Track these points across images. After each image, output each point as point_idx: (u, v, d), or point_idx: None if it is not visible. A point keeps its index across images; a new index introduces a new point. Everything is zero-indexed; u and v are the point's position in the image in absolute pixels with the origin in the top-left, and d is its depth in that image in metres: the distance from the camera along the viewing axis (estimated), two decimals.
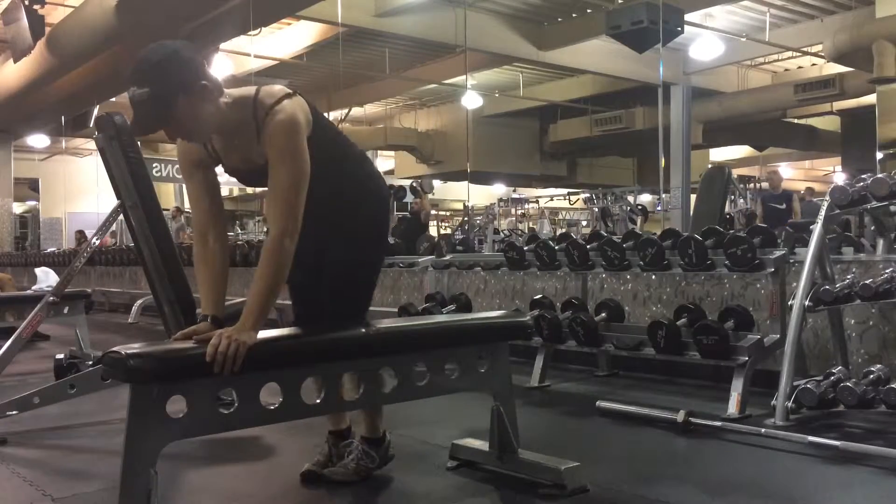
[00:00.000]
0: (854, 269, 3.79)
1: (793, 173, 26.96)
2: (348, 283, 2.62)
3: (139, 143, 3.61)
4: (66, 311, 5.08)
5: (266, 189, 2.29)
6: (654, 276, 4.62)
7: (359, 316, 2.58)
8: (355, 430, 2.77)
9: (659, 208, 13.32)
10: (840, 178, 16.21)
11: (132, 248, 6.99)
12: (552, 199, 19.73)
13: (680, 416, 3.33)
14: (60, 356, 4.42)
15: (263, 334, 2.12)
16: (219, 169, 2.45)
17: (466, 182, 16.45)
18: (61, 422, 3.70)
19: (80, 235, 16.46)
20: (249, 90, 2.32)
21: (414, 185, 15.11)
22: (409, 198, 14.24)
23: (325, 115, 2.60)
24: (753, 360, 3.64)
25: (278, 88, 2.33)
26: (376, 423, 2.71)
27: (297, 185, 2.23)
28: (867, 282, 3.35)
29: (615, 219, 13.98)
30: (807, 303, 3.43)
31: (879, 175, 3.45)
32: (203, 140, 2.32)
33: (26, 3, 9.44)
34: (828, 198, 3.59)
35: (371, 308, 2.74)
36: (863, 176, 3.54)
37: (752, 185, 14.79)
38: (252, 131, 2.28)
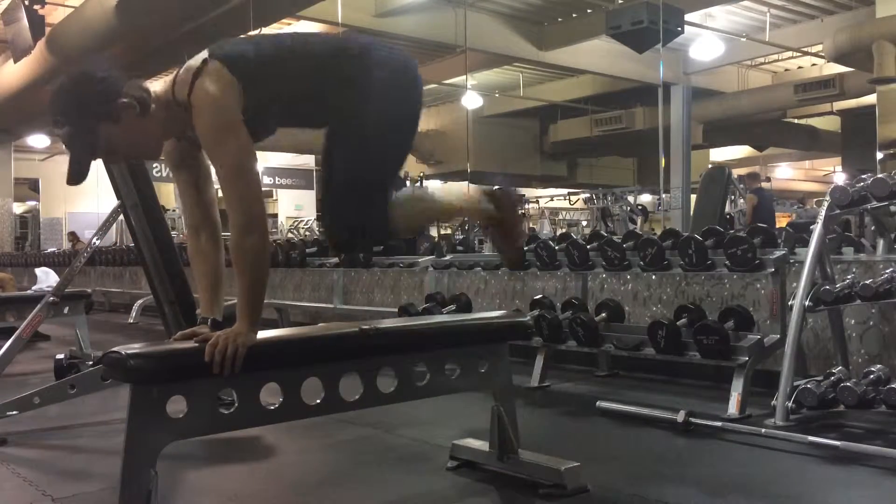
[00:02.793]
0: (854, 270, 3.79)
1: (793, 173, 27.00)
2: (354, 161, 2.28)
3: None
4: (66, 311, 5.08)
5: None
6: (654, 277, 4.62)
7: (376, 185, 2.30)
8: None
9: (660, 208, 13.31)
10: (840, 178, 16.20)
11: (132, 248, 6.99)
12: (552, 200, 19.74)
13: (680, 417, 3.33)
14: (60, 356, 4.42)
15: (263, 334, 2.12)
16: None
17: (466, 182, 16.45)
18: (61, 422, 3.70)
19: (73, 237, 16.46)
20: (168, 82, 2.12)
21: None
22: None
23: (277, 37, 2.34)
24: (753, 360, 3.64)
25: (186, 67, 2.09)
26: None
27: (238, 167, 2.02)
28: (867, 282, 3.35)
29: (615, 219, 13.98)
30: (807, 303, 3.43)
31: (880, 175, 3.45)
32: (155, 156, 2.20)
33: (26, 3, 9.45)
34: (828, 198, 3.59)
35: (371, 308, 2.72)
36: (863, 176, 3.54)
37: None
38: (192, 123, 2.08)
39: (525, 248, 4.93)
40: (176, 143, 2.23)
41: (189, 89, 2.04)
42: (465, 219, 3.05)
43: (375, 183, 2.31)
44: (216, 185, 2.25)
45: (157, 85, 2.16)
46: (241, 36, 2.17)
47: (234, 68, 2.07)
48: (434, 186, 2.61)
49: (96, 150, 2.04)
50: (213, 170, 2.25)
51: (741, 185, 10.32)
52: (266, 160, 18.89)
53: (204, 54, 2.10)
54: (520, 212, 2.87)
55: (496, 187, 2.65)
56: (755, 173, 11.26)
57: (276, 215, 19.95)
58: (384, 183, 2.34)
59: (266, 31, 11.06)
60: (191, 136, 2.15)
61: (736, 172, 11.37)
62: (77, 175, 2.02)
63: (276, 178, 19.72)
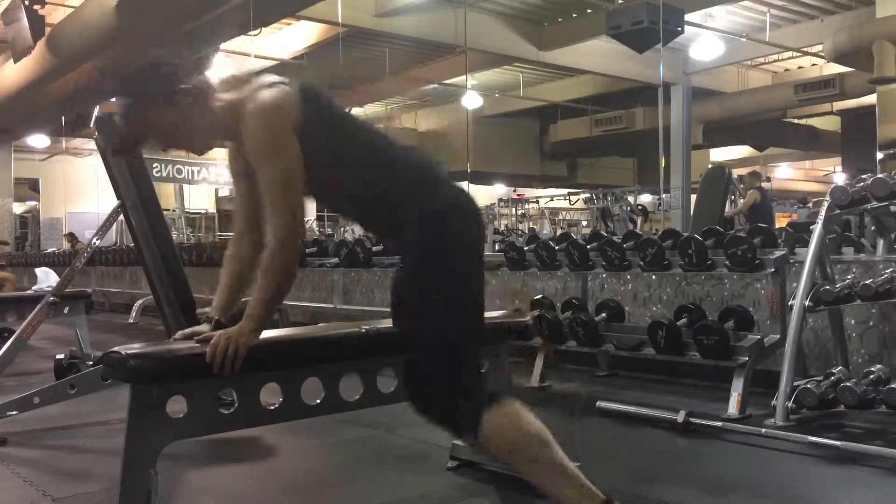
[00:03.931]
0: (854, 270, 3.79)
1: (793, 173, 27.00)
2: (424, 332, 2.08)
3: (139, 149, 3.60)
4: (66, 311, 5.08)
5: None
6: (654, 277, 4.62)
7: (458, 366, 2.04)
8: None
9: (660, 208, 13.31)
10: (840, 178, 16.20)
11: (132, 248, 6.99)
12: (552, 200, 19.74)
13: (680, 417, 3.33)
14: (60, 356, 4.42)
15: (263, 334, 2.12)
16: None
17: (467, 182, 16.45)
18: (61, 422, 3.70)
19: (71, 238, 16.46)
20: (246, 88, 2.11)
21: None
22: None
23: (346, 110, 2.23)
24: (753, 360, 3.64)
25: (266, 79, 2.09)
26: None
27: (284, 182, 2.00)
28: (867, 282, 3.35)
29: (615, 219, 13.98)
30: (807, 303, 3.43)
31: (880, 175, 3.45)
32: (201, 147, 2.20)
33: (26, 3, 9.44)
34: (828, 198, 3.59)
35: (371, 308, 2.70)
36: (863, 176, 3.54)
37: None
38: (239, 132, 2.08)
39: (525, 249, 4.93)
40: (237, 152, 2.21)
41: (248, 102, 2.04)
42: None
43: (459, 336, 2.06)
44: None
45: (228, 88, 2.14)
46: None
47: (305, 99, 2.05)
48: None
49: (146, 127, 2.08)
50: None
51: (741, 185, 10.31)
52: None
53: (279, 78, 2.10)
54: None
55: None
56: (757, 172, 11.26)
57: None
58: (464, 338, 2.08)
59: (266, 31, 11.11)
60: (236, 145, 2.14)
61: (736, 172, 11.38)
62: (124, 144, 2.09)
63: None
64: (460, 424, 2.09)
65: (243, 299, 2.13)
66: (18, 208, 21.81)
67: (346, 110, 2.26)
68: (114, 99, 2.07)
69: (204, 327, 2.16)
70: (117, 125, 2.09)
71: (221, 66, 11.37)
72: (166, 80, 2.06)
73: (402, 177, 2.15)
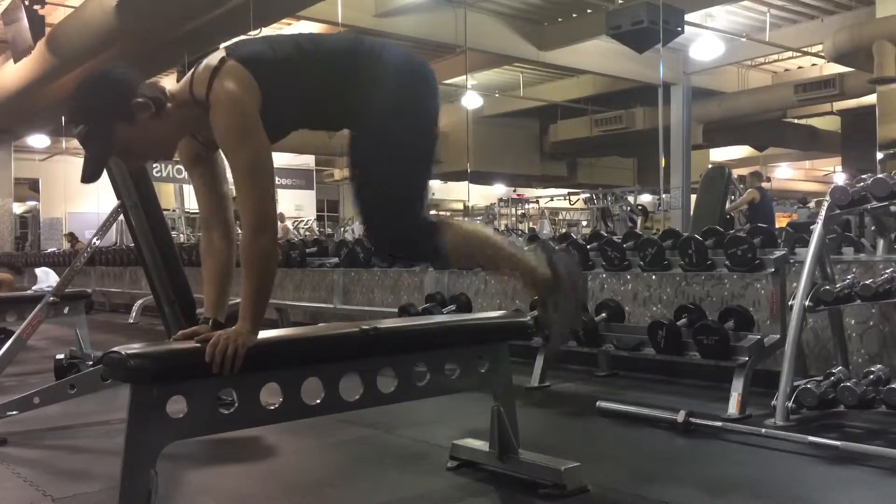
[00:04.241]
0: (854, 270, 3.79)
1: (793, 173, 27.01)
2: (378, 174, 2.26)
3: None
4: (66, 311, 5.08)
5: None
6: (654, 277, 4.62)
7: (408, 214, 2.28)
8: None
9: (660, 208, 13.32)
10: (840, 178, 16.21)
11: (132, 248, 6.99)
12: (552, 200, 19.75)
13: (680, 417, 3.33)
14: (60, 356, 4.42)
15: (263, 334, 2.12)
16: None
17: (466, 182, 16.46)
18: (61, 422, 3.70)
19: (71, 238, 16.47)
20: (185, 81, 2.12)
21: None
22: None
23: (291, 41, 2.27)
24: (753, 360, 3.64)
25: (204, 66, 2.09)
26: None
27: (254, 169, 2.02)
28: (867, 282, 3.35)
29: (615, 219, 13.98)
30: (807, 303, 3.43)
31: (879, 175, 3.45)
32: (169, 156, 2.20)
33: (26, 3, 9.45)
34: (828, 198, 3.59)
35: (371, 308, 2.71)
36: (863, 176, 3.54)
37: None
38: (209, 122, 2.08)
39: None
40: (190, 142, 2.23)
41: (208, 87, 2.04)
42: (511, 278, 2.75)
43: (410, 189, 2.28)
44: (230, 184, 2.26)
45: (172, 84, 2.17)
46: (255, 36, 2.16)
47: (252, 69, 2.07)
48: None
49: (111, 149, 2.06)
50: (227, 168, 2.24)
51: (741, 185, 10.32)
52: None
53: (221, 53, 2.11)
54: (581, 288, 2.56)
55: (557, 251, 2.52)
56: (758, 172, 11.27)
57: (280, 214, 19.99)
58: (419, 189, 2.31)
59: (266, 31, 11.11)
60: (205, 135, 2.15)
61: (736, 172, 11.38)
62: (91, 174, 2.04)
63: (277, 179, 19.69)
64: (425, 255, 2.52)
65: (236, 300, 2.13)
66: (18, 208, 21.82)
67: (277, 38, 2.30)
68: (72, 128, 2.01)
69: (204, 327, 2.16)
70: (85, 152, 2.03)
71: None
72: (119, 97, 2.01)
73: (346, 60, 2.24)
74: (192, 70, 2.13)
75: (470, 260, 2.51)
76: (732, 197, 10.15)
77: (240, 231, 2.12)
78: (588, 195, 16.90)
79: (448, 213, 24.33)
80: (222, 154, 2.21)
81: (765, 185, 11.08)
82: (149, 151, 2.16)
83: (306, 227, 17.21)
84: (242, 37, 10.57)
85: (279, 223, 2.28)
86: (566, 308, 2.45)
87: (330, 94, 2.24)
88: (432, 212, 2.39)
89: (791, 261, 3.87)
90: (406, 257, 2.54)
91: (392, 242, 2.39)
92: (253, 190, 2.02)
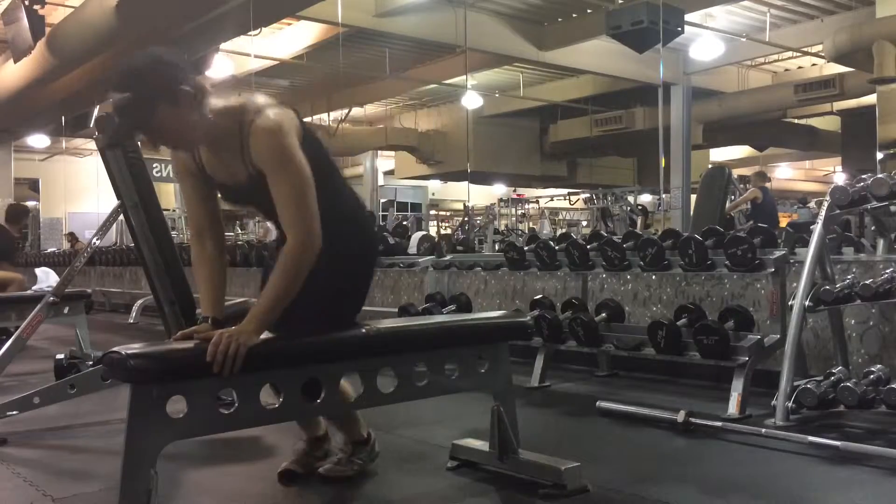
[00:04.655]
0: (854, 270, 3.79)
1: (793, 173, 27.01)
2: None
3: (139, 143, 3.61)
4: (66, 311, 5.07)
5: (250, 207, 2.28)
6: (654, 277, 4.62)
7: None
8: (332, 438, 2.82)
9: (660, 208, 13.32)
10: (840, 178, 16.21)
11: (132, 248, 6.99)
12: (552, 200, 19.74)
13: (680, 417, 3.33)
14: (60, 356, 4.41)
15: (263, 334, 2.12)
16: None
17: (466, 182, 16.46)
18: (61, 422, 3.70)
19: (72, 238, 16.47)
20: (237, 100, 2.25)
21: None
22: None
23: (317, 132, 2.53)
24: (753, 360, 3.64)
25: (264, 99, 2.26)
26: (355, 428, 2.73)
27: (301, 189, 2.14)
28: (867, 282, 3.35)
29: (615, 219, 13.98)
30: (807, 303, 3.43)
31: (879, 175, 3.45)
32: (188, 148, 2.26)
33: (26, 3, 9.44)
34: (828, 198, 3.59)
35: (371, 308, 2.72)
36: (863, 176, 3.54)
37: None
38: (237, 143, 2.19)
39: (525, 249, 4.93)
40: (189, 157, 2.29)
41: (257, 110, 2.17)
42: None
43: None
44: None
45: (218, 96, 2.24)
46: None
47: (302, 123, 2.27)
48: None
49: (146, 123, 2.11)
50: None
51: (741, 185, 10.31)
52: None
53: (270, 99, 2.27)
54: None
55: None
56: (762, 172, 11.26)
57: None
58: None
59: (266, 31, 11.12)
60: (219, 149, 2.24)
61: (736, 172, 11.37)
62: (116, 137, 2.13)
63: None
64: None
65: (235, 300, 2.15)
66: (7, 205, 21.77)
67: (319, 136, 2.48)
68: (115, 93, 2.06)
69: (204, 326, 2.16)
70: (113, 118, 2.10)
71: (220, 67, 11.39)
72: (169, 80, 2.08)
73: (341, 214, 2.39)
74: (247, 97, 2.25)
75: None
76: (732, 197, 10.14)
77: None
78: (588, 195, 16.90)
79: (448, 214, 24.35)
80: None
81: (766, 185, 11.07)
82: (173, 140, 2.21)
83: None
84: (243, 37, 10.59)
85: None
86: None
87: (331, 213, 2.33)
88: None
89: (791, 261, 3.87)
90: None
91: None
92: (301, 211, 2.15)
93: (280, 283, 2.12)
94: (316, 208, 2.17)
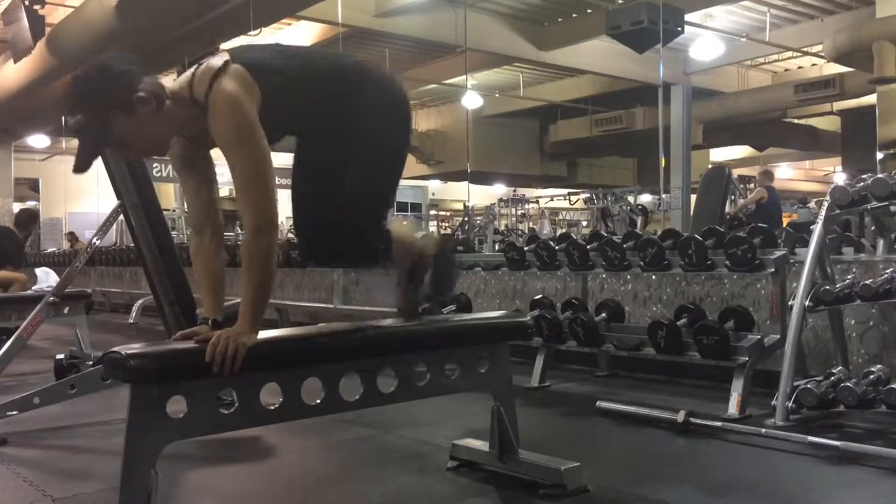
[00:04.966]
0: (854, 270, 3.79)
1: (793, 173, 27.01)
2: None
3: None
4: (66, 311, 5.08)
5: None
6: (654, 277, 4.62)
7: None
8: None
9: (660, 208, 13.31)
10: (840, 178, 16.20)
11: (132, 248, 6.99)
12: (552, 200, 19.74)
13: (680, 417, 3.33)
14: (60, 356, 4.42)
15: (263, 334, 2.12)
16: (220, 169, 2.37)
17: (466, 182, 16.45)
18: (61, 422, 3.70)
19: (72, 237, 16.47)
20: (185, 79, 2.13)
21: None
22: None
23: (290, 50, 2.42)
24: (753, 360, 3.64)
25: (206, 67, 2.10)
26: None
27: (255, 171, 2.04)
28: (867, 282, 3.35)
29: (615, 219, 13.97)
30: (807, 303, 3.43)
31: (880, 175, 3.45)
32: (163, 152, 2.21)
33: (26, 3, 9.45)
34: (828, 198, 3.59)
35: (371, 308, 2.72)
36: (863, 176, 3.54)
37: (752, 185, 14.82)
38: (205, 123, 2.09)
39: (525, 249, 4.92)
40: (182, 144, 2.23)
41: (208, 88, 2.06)
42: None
43: (384, 196, 2.44)
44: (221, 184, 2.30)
45: (171, 82, 2.18)
46: (258, 44, 2.24)
47: (254, 73, 2.11)
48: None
49: (107, 140, 2.06)
50: (217, 169, 2.28)
51: (742, 185, 10.31)
52: None
53: (224, 56, 2.12)
54: (449, 280, 2.79)
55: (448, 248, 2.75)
56: (769, 171, 11.27)
57: None
58: (390, 197, 2.47)
59: (266, 31, 11.11)
60: (197, 135, 2.16)
61: (736, 172, 11.37)
62: (84, 164, 2.03)
63: (277, 179, 19.64)
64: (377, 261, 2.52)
65: (235, 300, 2.13)
66: (18, 208, 21.80)
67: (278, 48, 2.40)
68: (69, 117, 2.02)
69: (203, 327, 2.16)
70: (79, 142, 2.03)
71: None
72: (119, 89, 2.01)
73: (340, 75, 2.35)
74: (193, 70, 2.14)
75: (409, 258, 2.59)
76: (732, 197, 10.15)
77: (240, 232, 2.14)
78: (588, 195, 16.88)
79: (448, 214, 24.32)
80: (212, 156, 2.24)
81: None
82: (143, 146, 2.16)
83: None
84: (243, 37, 10.60)
85: None
86: (425, 284, 2.61)
87: (321, 107, 2.32)
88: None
89: (791, 261, 3.88)
90: (361, 260, 2.67)
91: (356, 245, 2.42)
92: (254, 191, 2.04)
93: (251, 278, 2.04)
94: (273, 190, 2.08)
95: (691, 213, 11.54)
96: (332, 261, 3.00)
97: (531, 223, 18.76)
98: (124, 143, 2.10)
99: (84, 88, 2.04)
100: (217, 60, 2.11)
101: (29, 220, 7.76)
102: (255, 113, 2.07)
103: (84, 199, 18.81)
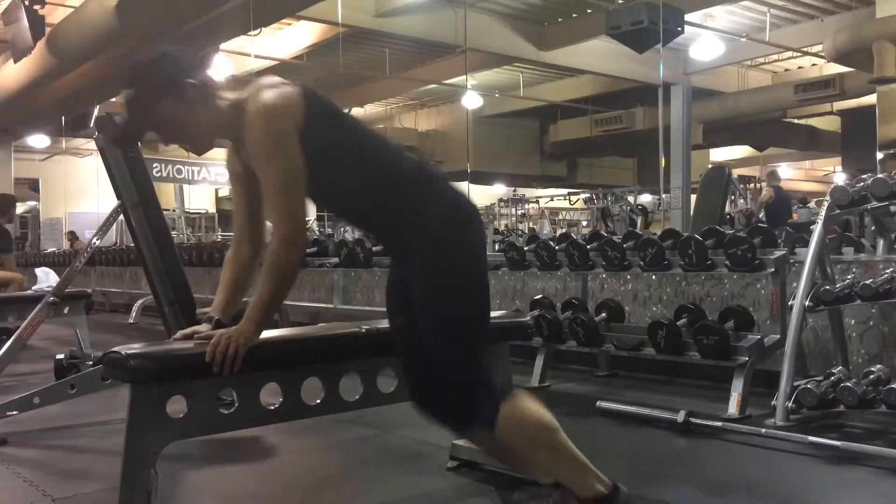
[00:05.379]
0: (854, 270, 3.79)
1: (793, 173, 26.99)
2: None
3: (140, 143, 3.61)
4: (66, 311, 5.07)
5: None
6: (654, 277, 4.62)
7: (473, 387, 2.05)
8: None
9: (660, 208, 13.31)
10: (840, 178, 16.21)
11: (132, 248, 6.99)
12: (552, 200, 19.74)
13: (680, 417, 3.33)
14: (60, 356, 4.42)
15: (263, 334, 2.12)
16: None
17: (466, 182, 16.43)
18: (61, 422, 3.70)
19: (72, 236, 16.47)
20: (240, 84, 2.14)
21: None
22: None
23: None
24: (753, 360, 3.64)
25: (269, 80, 2.08)
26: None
27: (287, 184, 1.99)
28: (867, 282, 3.35)
29: (615, 219, 13.98)
30: (807, 303, 3.43)
31: (880, 175, 3.45)
32: (203, 146, 2.19)
33: (26, 3, 9.44)
34: (828, 198, 3.59)
35: (371, 308, 2.70)
36: (863, 176, 3.54)
37: (752, 185, 14.83)
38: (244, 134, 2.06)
39: (525, 249, 4.93)
40: (235, 153, 2.21)
41: (250, 101, 2.03)
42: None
43: (470, 337, 2.10)
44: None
45: (230, 88, 2.16)
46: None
47: (308, 99, 2.04)
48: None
49: (150, 119, 2.08)
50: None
51: (742, 185, 10.32)
52: None
53: (279, 78, 2.10)
54: None
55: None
56: (775, 172, 11.29)
57: None
58: (480, 339, 2.13)
59: (266, 31, 11.11)
60: (242, 146, 2.11)
61: (736, 172, 11.37)
62: (124, 133, 2.06)
63: None
64: (472, 422, 2.10)
65: (244, 299, 2.13)
66: (18, 208, 21.78)
67: (347, 111, 2.26)
68: (121, 89, 2.06)
69: (204, 327, 2.16)
70: (122, 115, 2.09)
71: (222, 66, 11.39)
72: (174, 74, 2.06)
73: (403, 177, 2.14)
74: (259, 83, 2.11)
75: (526, 447, 2.10)
76: (732, 197, 10.15)
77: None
78: (588, 195, 16.89)
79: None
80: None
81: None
82: (183, 136, 2.15)
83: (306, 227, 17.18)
84: (243, 37, 10.59)
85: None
86: None
87: (370, 187, 2.13)
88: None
89: (791, 261, 3.88)
90: (452, 422, 2.20)
91: (443, 399, 2.11)
92: (285, 204, 2.00)
93: (267, 285, 2.02)
94: (304, 204, 2.03)
95: (691, 213, 11.54)
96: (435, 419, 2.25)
97: (531, 223, 18.76)
98: (165, 128, 2.10)
99: (140, 67, 2.10)
100: (276, 79, 2.09)
101: (7, 203, 7.69)
102: (290, 126, 2.00)
103: (84, 199, 18.82)
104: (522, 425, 2.05)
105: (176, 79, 2.05)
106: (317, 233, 16.48)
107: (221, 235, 17.59)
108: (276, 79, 2.10)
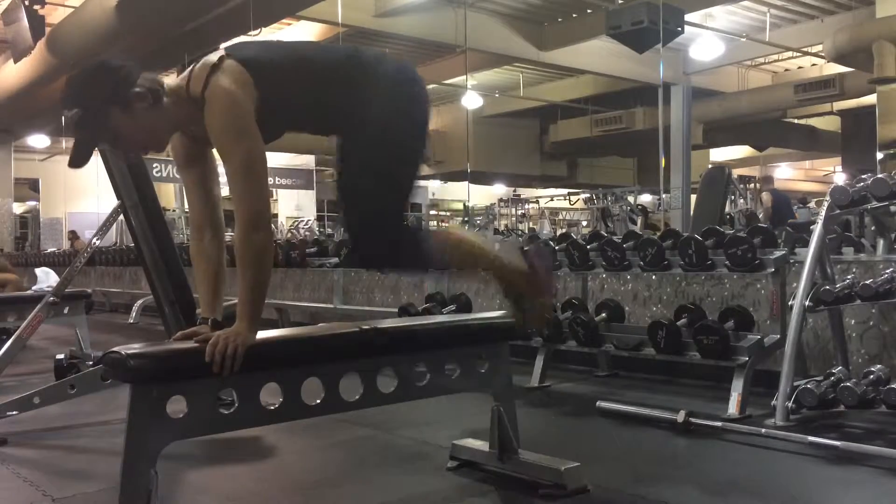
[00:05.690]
0: (854, 270, 3.79)
1: (793, 173, 27.01)
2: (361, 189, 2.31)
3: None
4: (66, 311, 5.07)
5: None
6: (654, 277, 4.62)
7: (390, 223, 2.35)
8: None
9: (660, 208, 13.32)
10: (840, 178, 16.21)
11: (132, 248, 6.99)
12: (552, 200, 19.75)
13: (680, 417, 3.33)
14: (60, 356, 4.42)
15: (263, 334, 2.12)
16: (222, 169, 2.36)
17: (466, 182, 16.46)
18: (61, 422, 3.70)
19: (73, 236, 16.48)
20: (183, 77, 2.14)
21: None
22: None
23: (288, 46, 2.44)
24: (754, 360, 3.64)
25: (202, 63, 2.11)
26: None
27: (249, 168, 2.03)
28: (867, 282, 3.35)
29: (615, 219, 13.98)
30: (807, 303, 3.43)
31: (880, 175, 3.45)
32: (160, 148, 2.21)
33: (26, 3, 9.45)
34: (828, 198, 3.59)
35: (371, 308, 2.72)
36: (863, 176, 3.54)
37: (752, 185, 14.82)
38: (203, 120, 2.10)
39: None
40: (184, 141, 2.24)
41: (204, 84, 2.06)
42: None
43: (396, 196, 2.36)
44: (223, 184, 2.27)
45: (170, 79, 2.18)
46: (254, 40, 2.21)
47: (250, 69, 2.11)
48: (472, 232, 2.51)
49: (104, 135, 2.06)
50: (220, 168, 2.27)
51: (742, 185, 10.33)
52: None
53: (220, 52, 2.13)
54: (551, 268, 2.80)
55: (527, 247, 2.69)
56: (769, 176, 11.32)
57: (276, 215, 19.96)
58: (404, 197, 2.40)
59: (266, 31, 11.11)
60: (197, 132, 2.16)
61: (736, 172, 11.38)
62: (79, 158, 2.04)
63: (276, 178, 19.73)
64: (409, 264, 2.51)
65: (233, 300, 2.13)
66: (18, 208, 21.80)
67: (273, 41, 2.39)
68: (65, 112, 2.02)
69: (203, 327, 2.16)
70: (75, 137, 2.04)
71: None
72: (116, 84, 2.02)
73: (343, 69, 2.29)
74: (191, 67, 2.14)
75: (448, 263, 2.57)
76: (732, 197, 10.15)
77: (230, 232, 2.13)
78: (588, 195, 16.90)
79: (448, 214, 24.34)
80: (214, 155, 2.23)
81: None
82: (140, 142, 2.16)
83: (306, 227, 17.19)
84: (243, 37, 10.59)
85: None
86: (537, 303, 2.62)
87: (323, 100, 2.28)
88: (420, 221, 2.46)
89: (791, 261, 3.87)
90: (390, 266, 2.62)
91: (377, 250, 2.38)
92: (247, 187, 2.04)
93: (246, 275, 2.04)
94: (266, 186, 2.10)
95: (691, 213, 11.54)
96: (363, 264, 2.89)
97: (531, 223, 18.77)
98: (121, 139, 2.10)
99: (82, 83, 2.05)
100: (213, 56, 2.12)
101: None
102: (250, 108, 2.08)
103: (84, 199, 18.82)
104: (444, 251, 2.45)
105: (122, 89, 2.02)
106: (317, 232, 16.49)
107: None
108: (215, 55, 2.12)
